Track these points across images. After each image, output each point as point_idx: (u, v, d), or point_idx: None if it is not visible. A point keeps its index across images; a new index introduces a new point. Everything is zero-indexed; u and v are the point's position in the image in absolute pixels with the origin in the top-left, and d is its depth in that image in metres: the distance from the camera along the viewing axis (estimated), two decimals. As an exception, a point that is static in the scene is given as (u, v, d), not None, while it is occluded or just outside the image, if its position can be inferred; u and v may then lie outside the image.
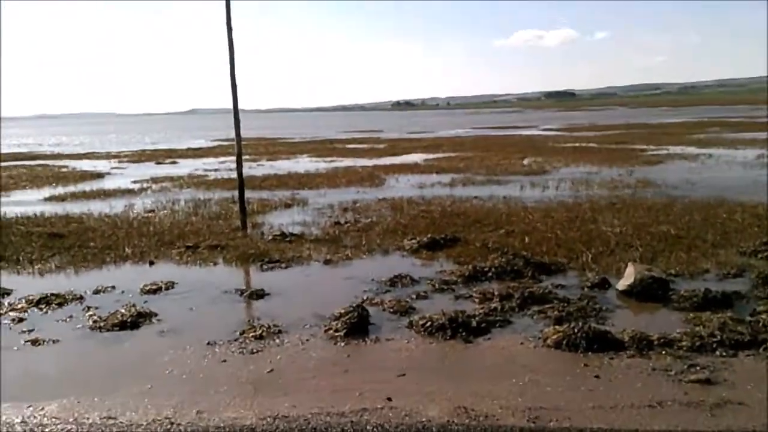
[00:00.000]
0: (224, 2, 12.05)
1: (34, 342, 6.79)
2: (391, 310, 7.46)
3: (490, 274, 8.74)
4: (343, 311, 7.10)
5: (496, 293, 7.78)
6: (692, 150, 27.90)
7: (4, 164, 33.09)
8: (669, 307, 7.32)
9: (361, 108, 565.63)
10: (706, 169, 20.77)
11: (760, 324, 6.40)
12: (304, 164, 28.67)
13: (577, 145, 34.14)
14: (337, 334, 6.70)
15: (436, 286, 8.39)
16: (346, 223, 12.99)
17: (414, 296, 7.99)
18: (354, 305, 7.28)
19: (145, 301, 8.12)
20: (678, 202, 14.00)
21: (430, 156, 30.49)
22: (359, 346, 6.44)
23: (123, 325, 7.19)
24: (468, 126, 74.29)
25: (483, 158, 27.57)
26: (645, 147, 30.70)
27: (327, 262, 9.99)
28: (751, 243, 9.74)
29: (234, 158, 13.07)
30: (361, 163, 27.65)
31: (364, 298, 7.93)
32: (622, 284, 7.89)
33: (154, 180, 22.88)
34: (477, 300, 7.73)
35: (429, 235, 11.01)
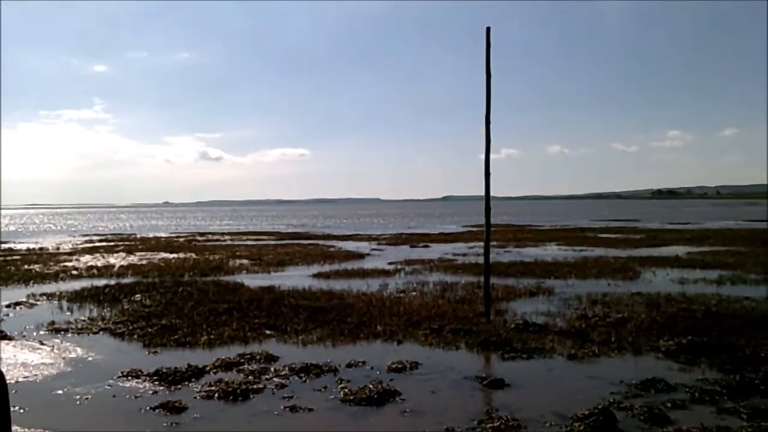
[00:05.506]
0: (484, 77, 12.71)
1: (292, 409, 7.44)
2: (641, 417, 6.86)
3: (763, 387, 7.65)
4: (587, 412, 6.73)
5: (770, 412, 6.76)
6: None
7: (284, 242, 37.62)
8: None
9: (617, 196, 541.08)
10: None
11: None
12: (552, 252, 28.19)
13: None
14: (579, 436, 6.34)
15: (696, 395, 7.55)
16: (593, 317, 12.36)
17: (669, 404, 7.27)
18: (599, 407, 6.85)
19: (391, 379, 8.49)
20: None
21: (694, 249, 28.02)
22: (603, 452, 6.01)
23: (370, 401, 7.59)
24: (739, 218, 67.08)
25: (758, 254, 24.57)
26: None
27: (571, 357, 9.57)
28: None
29: (482, 244, 13.34)
30: (613, 254, 26.34)
31: (611, 400, 7.41)
32: None
33: (408, 262, 24.13)
34: (745, 416, 6.79)
35: (689, 337, 10.01)
